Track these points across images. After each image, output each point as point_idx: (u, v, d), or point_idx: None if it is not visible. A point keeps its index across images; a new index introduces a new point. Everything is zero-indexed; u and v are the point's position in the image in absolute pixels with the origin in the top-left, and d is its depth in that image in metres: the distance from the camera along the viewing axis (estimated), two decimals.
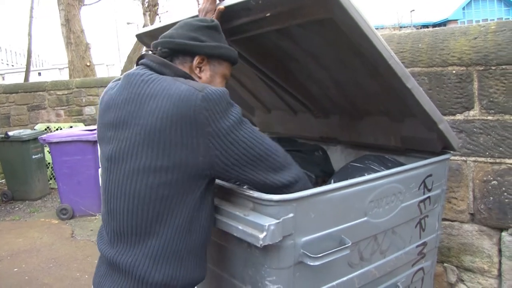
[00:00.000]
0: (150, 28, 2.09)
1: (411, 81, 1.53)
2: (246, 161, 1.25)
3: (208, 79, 1.43)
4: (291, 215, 1.26)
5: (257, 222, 1.23)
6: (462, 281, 2.38)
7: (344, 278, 1.50)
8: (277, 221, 1.22)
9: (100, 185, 1.39)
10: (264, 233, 1.20)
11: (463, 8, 41.95)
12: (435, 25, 37.87)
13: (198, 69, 1.41)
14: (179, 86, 1.22)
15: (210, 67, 1.44)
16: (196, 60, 1.40)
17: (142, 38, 2.15)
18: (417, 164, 1.71)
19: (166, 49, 1.39)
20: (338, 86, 1.95)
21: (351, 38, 1.45)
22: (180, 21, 1.49)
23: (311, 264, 1.30)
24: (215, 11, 1.60)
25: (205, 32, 1.42)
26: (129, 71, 1.35)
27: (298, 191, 1.30)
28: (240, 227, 1.27)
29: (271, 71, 2.08)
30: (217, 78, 1.46)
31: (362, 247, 1.54)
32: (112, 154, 1.28)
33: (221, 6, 1.59)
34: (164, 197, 1.21)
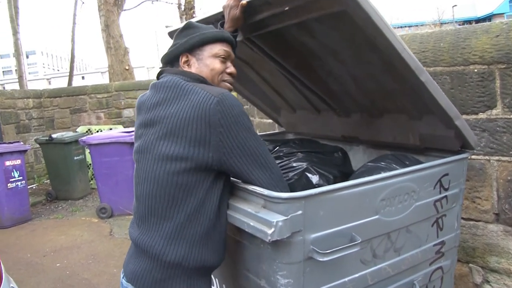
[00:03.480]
0: (178, 27, 2.20)
1: (424, 75, 1.55)
2: (248, 161, 1.41)
3: (199, 68, 1.60)
4: (299, 212, 1.32)
5: (266, 218, 1.29)
6: (488, 282, 2.35)
7: (356, 275, 1.53)
8: (285, 217, 1.28)
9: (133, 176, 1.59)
10: (272, 229, 1.26)
11: (510, 1, 40.12)
12: (478, 20, 36.54)
13: (186, 66, 1.61)
14: (198, 92, 1.41)
15: (195, 57, 1.61)
16: (181, 60, 1.61)
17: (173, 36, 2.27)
18: (431, 163, 1.71)
19: (164, 64, 1.68)
20: (356, 82, 1.99)
21: (365, 31, 1.49)
22: None
23: (320, 259, 1.35)
24: (238, 7, 1.75)
25: (180, 35, 1.65)
26: (155, 81, 1.59)
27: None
28: (251, 223, 1.34)
29: (294, 67, 2.16)
30: (205, 61, 1.60)
31: (374, 244, 1.57)
32: (140, 147, 1.50)
33: (244, 2, 1.73)
34: (179, 185, 1.38)
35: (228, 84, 1.66)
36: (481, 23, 2.43)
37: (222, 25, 1.85)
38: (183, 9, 13.69)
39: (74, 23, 15.18)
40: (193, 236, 1.40)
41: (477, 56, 2.18)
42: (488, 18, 37.86)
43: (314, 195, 1.35)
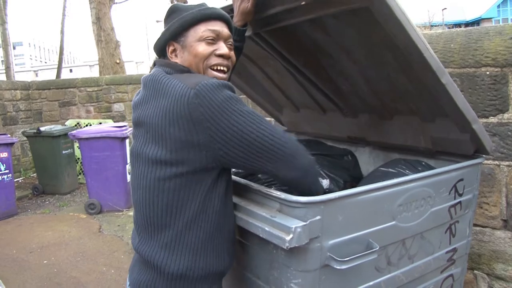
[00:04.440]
0: None
1: (446, 77, 1.48)
2: (252, 152, 1.23)
3: (186, 56, 1.40)
4: (318, 217, 1.25)
5: (284, 224, 1.21)
6: None
7: (371, 283, 1.47)
8: (304, 223, 1.21)
9: None
10: (291, 235, 1.18)
11: (498, 6, 40.67)
12: (467, 24, 36.97)
13: (173, 56, 1.44)
14: (175, 85, 1.24)
15: (180, 45, 1.42)
16: (168, 50, 1.45)
17: None
18: (448, 168, 1.66)
19: (156, 55, 1.52)
20: (369, 82, 1.92)
21: (386, 29, 1.41)
22: None
23: (338, 267, 1.28)
24: (249, 0, 1.64)
25: (166, 22, 1.47)
26: (145, 75, 1.43)
27: (310, 181, 1.34)
28: (266, 229, 1.26)
29: (303, 65, 2.07)
30: (193, 47, 1.39)
31: (389, 251, 1.51)
32: (133, 150, 1.37)
33: None
34: (171, 190, 1.25)
35: (216, 73, 1.41)
36: (492, 25, 2.38)
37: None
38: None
39: (64, 15, 14.93)
40: (195, 243, 1.27)
41: (490, 58, 2.13)
42: (477, 22, 38.35)
43: (334, 200, 1.28)
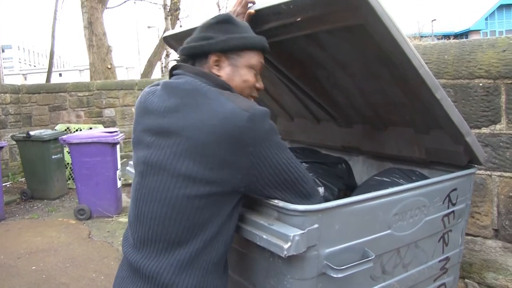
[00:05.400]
0: (176, 31, 2.10)
1: (440, 92, 1.51)
2: (279, 183, 1.28)
3: (229, 75, 1.38)
4: (316, 225, 1.25)
5: (282, 232, 1.21)
6: None
7: None
8: (302, 231, 1.21)
9: (132, 188, 1.39)
10: (289, 244, 1.19)
11: (486, 19, 41.40)
12: (456, 35, 37.48)
13: (216, 67, 1.38)
14: (225, 104, 1.21)
15: (229, 61, 1.39)
16: (210, 59, 1.38)
17: (169, 41, 2.16)
18: (443, 177, 1.68)
19: (183, 56, 1.41)
20: (363, 95, 1.94)
21: (381, 46, 1.43)
22: None
23: (335, 276, 1.28)
24: (245, 14, 1.61)
25: (216, 28, 1.39)
26: (168, 81, 1.36)
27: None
28: (264, 236, 1.26)
29: (298, 77, 2.08)
30: (240, 70, 1.40)
31: (384, 260, 1.52)
32: (151, 160, 1.28)
33: (252, 10, 1.59)
34: (200, 208, 1.21)
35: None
36: (485, 38, 2.42)
37: None
38: (168, 10, 13.56)
39: (55, 18, 14.84)
40: (207, 264, 1.24)
41: (483, 70, 2.16)
42: (465, 34, 38.93)
43: (331, 208, 1.29)
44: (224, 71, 1.39)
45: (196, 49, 1.39)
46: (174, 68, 1.42)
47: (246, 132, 1.18)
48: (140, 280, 1.27)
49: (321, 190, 1.73)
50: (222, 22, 1.41)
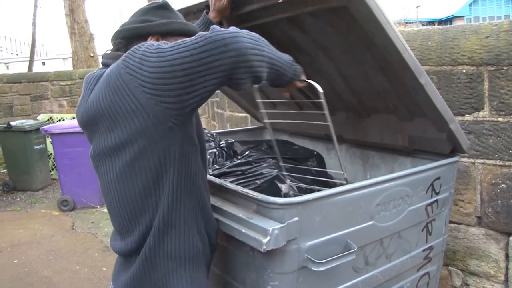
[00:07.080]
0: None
1: (424, 77, 1.48)
2: (189, 83, 1.11)
3: None
4: (295, 218, 1.22)
5: (261, 226, 1.19)
6: (467, 285, 2.34)
7: (349, 283, 1.46)
8: (281, 225, 1.19)
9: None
10: (268, 238, 1.16)
11: (470, 5, 41.72)
12: (441, 22, 37.66)
13: None
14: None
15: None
16: (150, 40, 1.32)
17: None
18: (426, 166, 1.66)
19: (120, 39, 1.36)
20: (346, 80, 1.91)
21: (364, 28, 1.40)
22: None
23: (316, 269, 1.26)
24: None
25: (155, 13, 1.38)
26: (88, 74, 1.37)
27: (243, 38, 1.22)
28: (243, 230, 1.23)
29: None
30: None
31: (367, 251, 1.50)
32: (93, 154, 1.34)
33: None
34: (142, 168, 1.18)
35: None
36: (468, 24, 2.40)
37: (206, 14, 1.72)
38: None
39: (35, 5, 14.54)
40: (178, 222, 1.21)
41: (466, 56, 2.14)
42: (450, 20, 39.17)
43: (311, 201, 1.26)
44: None
45: (137, 30, 1.35)
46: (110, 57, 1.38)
47: (125, 74, 1.13)
48: (130, 261, 1.27)
49: (284, 187, 1.66)
50: (160, 8, 1.40)
